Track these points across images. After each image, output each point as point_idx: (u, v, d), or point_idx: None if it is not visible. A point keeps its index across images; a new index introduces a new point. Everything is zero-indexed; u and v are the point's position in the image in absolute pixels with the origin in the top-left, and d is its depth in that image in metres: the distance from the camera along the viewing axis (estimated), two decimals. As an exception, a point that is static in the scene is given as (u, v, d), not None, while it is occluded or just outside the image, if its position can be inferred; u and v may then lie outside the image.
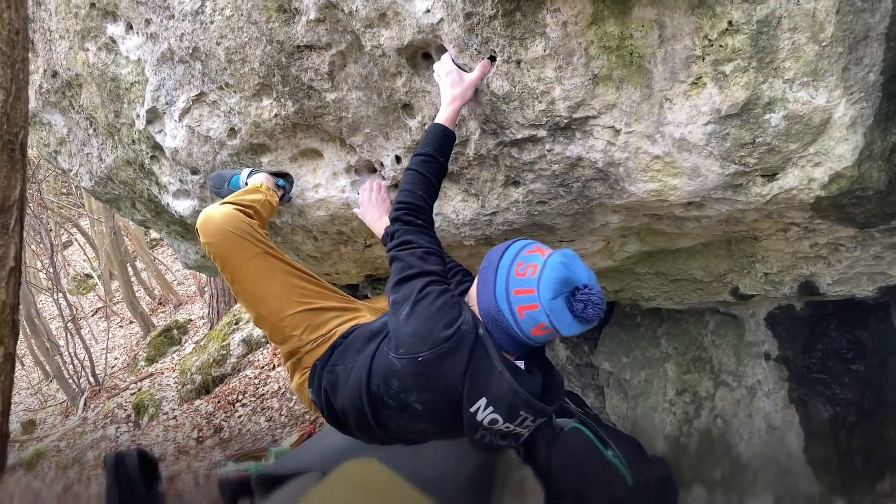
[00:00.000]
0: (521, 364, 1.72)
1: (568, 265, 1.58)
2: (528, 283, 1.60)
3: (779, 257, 2.32)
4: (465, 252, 2.52)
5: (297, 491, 2.76)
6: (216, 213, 2.06)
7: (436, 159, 1.88)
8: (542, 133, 1.92)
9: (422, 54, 1.98)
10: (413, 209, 1.84)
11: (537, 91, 1.83)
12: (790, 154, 1.72)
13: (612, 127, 1.84)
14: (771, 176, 1.80)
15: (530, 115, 1.88)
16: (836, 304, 2.73)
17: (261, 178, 2.36)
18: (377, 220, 2.19)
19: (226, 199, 2.16)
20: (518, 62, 1.80)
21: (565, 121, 1.86)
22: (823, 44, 1.55)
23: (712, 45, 1.63)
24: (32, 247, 12.45)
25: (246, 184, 2.38)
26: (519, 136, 1.95)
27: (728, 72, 1.64)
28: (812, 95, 1.61)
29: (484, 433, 1.70)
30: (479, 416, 1.67)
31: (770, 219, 2.02)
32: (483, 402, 1.65)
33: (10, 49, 1.64)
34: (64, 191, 14.46)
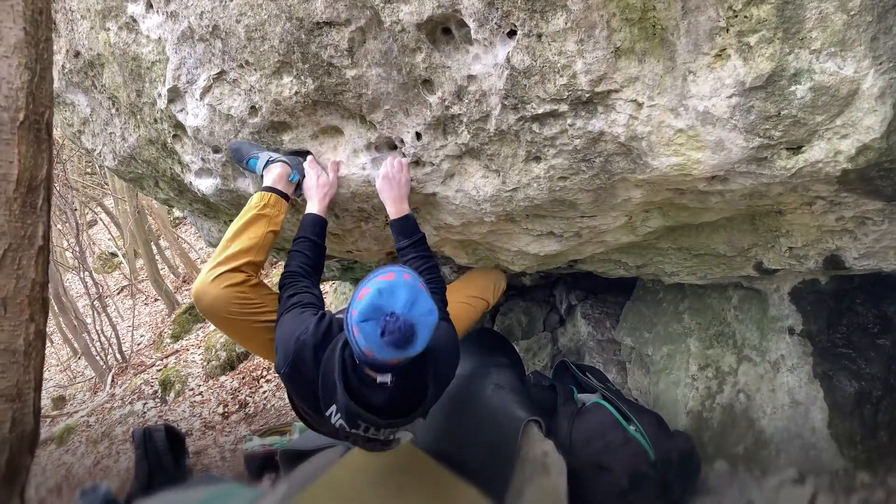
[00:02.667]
0: (387, 378, 1.78)
1: (383, 292, 1.66)
2: (357, 305, 1.68)
3: (804, 231, 2.29)
4: (486, 228, 2.52)
5: (321, 465, 2.80)
6: (207, 292, 2.23)
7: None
8: (563, 108, 1.90)
9: (441, 29, 1.96)
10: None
11: (558, 65, 1.81)
12: (816, 126, 1.69)
13: (635, 100, 1.83)
14: (796, 149, 1.77)
15: (551, 89, 1.86)
16: (863, 278, 2.70)
17: (273, 177, 2.40)
18: (392, 199, 2.30)
19: (217, 260, 2.29)
20: (539, 36, 1.79)
21: (587, 95, 1.84)
22: (852, 13, 1.52)
23: (737, 16, 1.60)
24: (58, 226, 12.60)
25: (262, 176, 2.43)
26: (540, 111, 1.94)
27: (753, 43, 1.61)
28: (839, 66, 1.58)
29: (347, 435, 1.95)
30: (333, 420, 1.92)
31: (795, 192, 1.99)
32: (333, 408, 1.90)
33: (34, 29, 1.65)
34: (88, 170, 14.57)
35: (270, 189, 2.40)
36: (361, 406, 1.83)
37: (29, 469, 1.71)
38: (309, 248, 2.33)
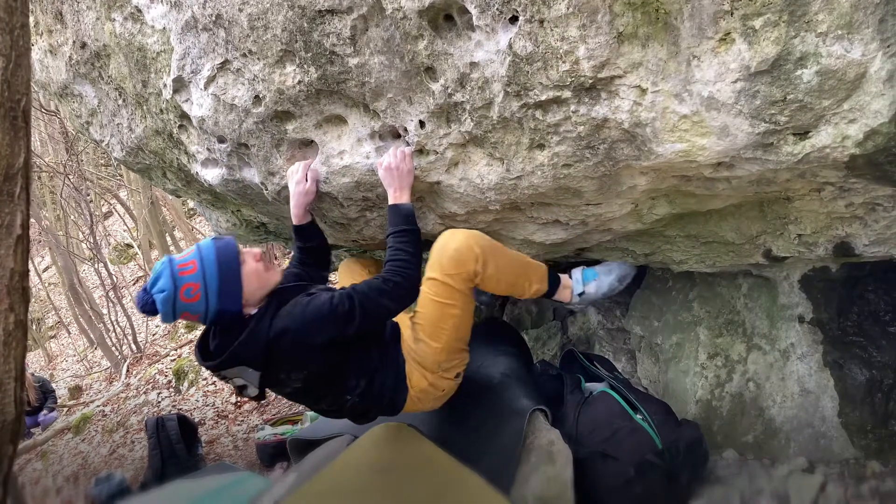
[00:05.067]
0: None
1: (156, 269, 2.20)
2: None
3: (813, 218, 2.26)
4: (491, 217, 2.51)
5: (329, 454, 2.82)
6: None
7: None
8: (566, 94, 1.89)
9: (443, 16, 1.95)
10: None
11: (561, 51, 1.80)
12: (823, 111, 1.66)
13: (639, 86, 1.81)
14: (803, 134, 1.75)
15: (554, 75, 1.85)
16: (874, 266, 2.66)
17: None
18: (393, 189, 2.33)
19: None
20: (541, 21, 1.77)
21: (590, 81, 1.83)
22: (859, -6, 1.49)
23: (741, -1, 1.57)
24: (73, 217, 12.71)
25: None
26: (543, 98, 1.92)
27: (758, 27, 1.59)
28: (847, 49, 1.55)
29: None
30: None
31: (803, 178, 1.97)
32: None
33: (9, 15, 1.63)
34: (103, 162, 14.66)
35: None
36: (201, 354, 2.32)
37: (12, 459, 1.70)
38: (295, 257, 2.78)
